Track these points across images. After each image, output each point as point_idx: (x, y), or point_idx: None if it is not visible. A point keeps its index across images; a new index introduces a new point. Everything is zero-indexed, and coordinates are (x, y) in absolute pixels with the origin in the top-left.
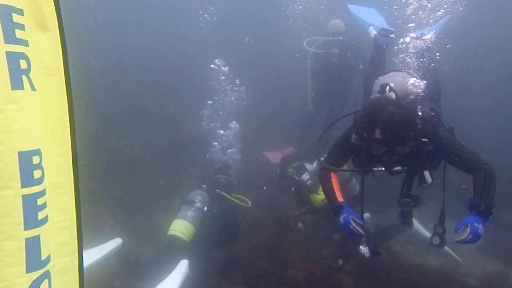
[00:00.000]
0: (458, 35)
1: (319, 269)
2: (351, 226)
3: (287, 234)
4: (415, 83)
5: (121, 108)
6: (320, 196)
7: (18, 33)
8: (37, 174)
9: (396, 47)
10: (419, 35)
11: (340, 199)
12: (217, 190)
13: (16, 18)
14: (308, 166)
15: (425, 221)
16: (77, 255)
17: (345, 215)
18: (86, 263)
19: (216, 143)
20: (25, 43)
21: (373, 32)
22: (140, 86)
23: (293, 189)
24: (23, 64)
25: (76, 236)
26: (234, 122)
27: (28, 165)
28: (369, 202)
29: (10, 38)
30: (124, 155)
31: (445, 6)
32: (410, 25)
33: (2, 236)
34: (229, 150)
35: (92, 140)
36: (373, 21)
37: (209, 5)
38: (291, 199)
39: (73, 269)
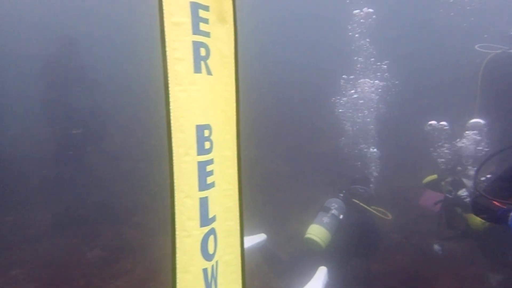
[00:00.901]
0: None
1: None
2: None
3: (429, 263)
4: None
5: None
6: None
7: (202, 26)
8: (207, 145)
9: None
10: None
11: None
12: (355, 200)
13: (202, 13)
14: (466, 181)
15: None
16: (239, 221)
17: None
18: None
19: (359, 162)
20: (207, 34)
21: None
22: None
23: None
24: (202, 51)
25: (238, 204)
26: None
27: (201, 137)
28: None
29: (196, 30)
30: (261, 164)
31: None
32: None
33: (184, 194)
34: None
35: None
36: None
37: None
38: (433, 221)
39: (236, 233)
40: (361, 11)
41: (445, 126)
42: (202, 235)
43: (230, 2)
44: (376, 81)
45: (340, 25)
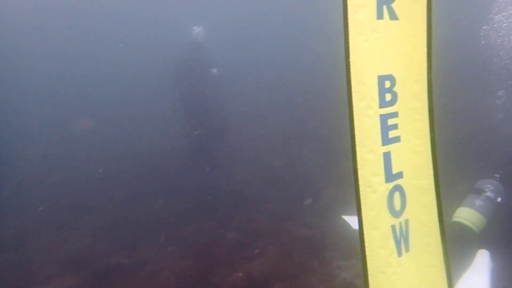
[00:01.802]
0: None
1: None
2: None
3: None
4: None
5: None
6: None
7: None
8: (387, 97)
9: None
10: None
11: None
12: None
13: None
14: None
15: None
16: (433, 180)
17: None
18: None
19: None
20: None
21: None
22: None
23: None
24: None
25: (431, 162)
26: None
27: (383, 89)
28: None
29: None
30: None
31: None
32: None
33: (366, 149)
34: None
35: None
36: None
37: None
38: None
39: (431, 193)
40: None
41: None
42: (387, 191)
43: None
44: None
45: None
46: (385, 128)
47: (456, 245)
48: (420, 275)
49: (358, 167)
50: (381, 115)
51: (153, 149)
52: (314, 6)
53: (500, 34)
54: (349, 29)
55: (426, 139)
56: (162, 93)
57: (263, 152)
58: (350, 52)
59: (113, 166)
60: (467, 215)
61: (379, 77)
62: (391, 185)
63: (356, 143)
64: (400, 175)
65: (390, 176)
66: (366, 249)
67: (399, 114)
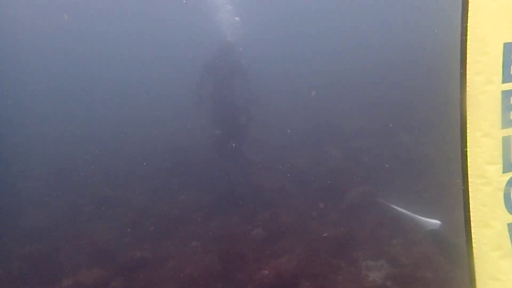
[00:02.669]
0: None
1: None
2: None
3: None
4: None
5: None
6: None
7: None
8: None
9: None
10: None
11: None
12: None
13: None
14: None
15: None
16: None
17: None
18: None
19: None
20: None
21: None
22: None
23: None
24: None
25: None
26: None
27: (508, 59)
28: None
29: None
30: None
31: None
32: None
33: (481, 133)
34: None
35: None
36: None
37: None
38: None
39: None
40: None
41: None
42: (504, 183)
43: None
44: None
45: None
46: (507, 107)
47: None
48: None
49: (469, 153)
50: (503, 92)
51: (178, 145)
52: None
53: None
54: None
55: None
56: (188, 91)
57: (288, 148)
58: (469, 14)
59: (139, 161)
60: None
61: (505, 44)
62: (509, 176)
63: (468, 125)
64: None
65: (508, 165)
66: (474, 251)
67: None
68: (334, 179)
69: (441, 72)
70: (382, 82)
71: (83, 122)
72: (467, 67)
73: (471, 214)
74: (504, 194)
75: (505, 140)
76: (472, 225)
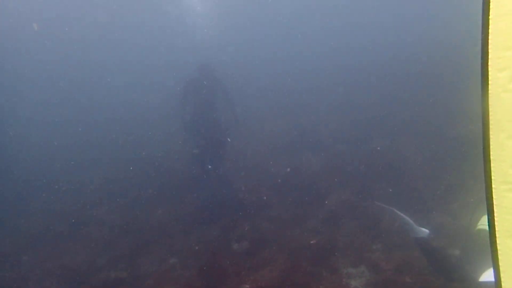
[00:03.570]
0: None
1: None
2: None
3: None
4: None
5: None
6: None
7: None
8: None
9: None
10: None
11: None
12: None
13: None
14: None
15: None
16: None
17: None
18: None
19: None
20: None
21: None
22: None
23: None
24: None
25: None
26: None
27: None
28: None
29: None
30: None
31: None
32: None
33: (505, 134)
34: None
35: None
36: None
37: None
38: None
39: None
40: None
41: None
42: None
43: None
44: None
45: None
46: None
47: (483, 253)
48: None
49: (492, 157)
50: None
51: (153, 156)
52: None
53: None
54: None
55: None
56: (167, 100)
57: (266, 158)
58: (491, 6)
59: (112, 174)
60: None
61: None
62: None
63: (491, 126)
64: None
65: None
66: (500, 263)
67: None
68: (313, 186)
69: (419, 75)
70: (358, 87)
71: (51, 133)
72: (489, 63)
73: (495, 223)
74: None
75: None
76: (497, 235)
